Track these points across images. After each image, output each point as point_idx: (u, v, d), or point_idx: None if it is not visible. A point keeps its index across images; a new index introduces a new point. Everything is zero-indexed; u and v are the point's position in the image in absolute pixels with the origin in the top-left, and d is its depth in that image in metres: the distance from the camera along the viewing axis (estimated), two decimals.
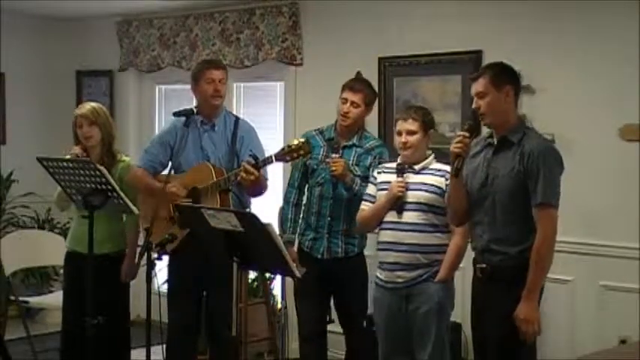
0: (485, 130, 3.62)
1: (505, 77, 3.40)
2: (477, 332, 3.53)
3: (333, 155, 4.18)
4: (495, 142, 3.43)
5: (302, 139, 3.92)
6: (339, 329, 4.51)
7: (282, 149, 3.92)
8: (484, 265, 3.41)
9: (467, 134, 3.38)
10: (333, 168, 4.11)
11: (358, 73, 5.23)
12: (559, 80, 4.48)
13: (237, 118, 4.37)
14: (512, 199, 3.32)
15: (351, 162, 4.22)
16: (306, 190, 4.41)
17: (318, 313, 4.39)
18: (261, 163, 3.94)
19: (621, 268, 4.26)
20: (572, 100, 4.46)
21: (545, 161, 3.29)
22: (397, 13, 5.17)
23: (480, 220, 3.45)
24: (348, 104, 4.22)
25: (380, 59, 5.23)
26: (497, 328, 3.32)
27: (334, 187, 4.22)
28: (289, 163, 3.96)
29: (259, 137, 4.38)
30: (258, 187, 4.14)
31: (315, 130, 4.41)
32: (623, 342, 4.14)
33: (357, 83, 4.36)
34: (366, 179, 4.17)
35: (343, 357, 4.62)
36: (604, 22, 4.35)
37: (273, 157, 3.94)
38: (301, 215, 4.40)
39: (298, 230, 4.38)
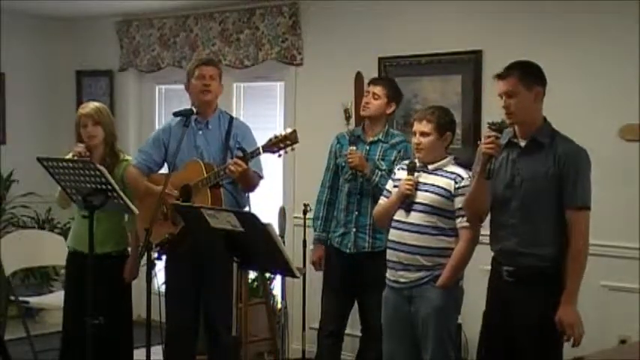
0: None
1: (534, 77, 3.35)
2: (494, 329, 3.46)
3: (350, 148, 4.27)
4: (522, 143, 3.38)
5: (289, 129, 3.92)
6: (349, 331, 4.52)
7: (270, 140, 3.92)
8: (513, 268, 3.36)
9: (498, 134, 3.34)
10: (350, 160, 4.24)
11: (358, 73, 5.24)
12: (559, 80, 4.47)
13: (231, 117, 4.37)
14: (543, 201, 3.29)
15: (376, 157, 4.32)
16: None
17: (341, 311, 4.46)
18: (248, 155, 3.94)
19: (621, 268, 4.26)
20: (572, 100, 4.46)
21: (581, 164, 3.30)
22: (397, 13, 5.17)
23: (505, 222, 3.39)
24: (370, 96, 4.35)
25: (380, 59, 5.23)
26: (532, 330, 3.28)
27: (360, 182, 4.28)
28: (277, 155, 3.95)
29: (257, 137, 4.37)
30: (250, 182, 4.13)
31: (346, 131, 4.56)
32: (623, 342, 4.14)
33: (378, 78, 4.60)
34: (390, 173, 4.23)
35: (350, 358, 4.63)
36: (604, 22, 4.35)
37: (261, 149, 3.94)
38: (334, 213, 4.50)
39: (330, 228, 4.49)
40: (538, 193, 3.30)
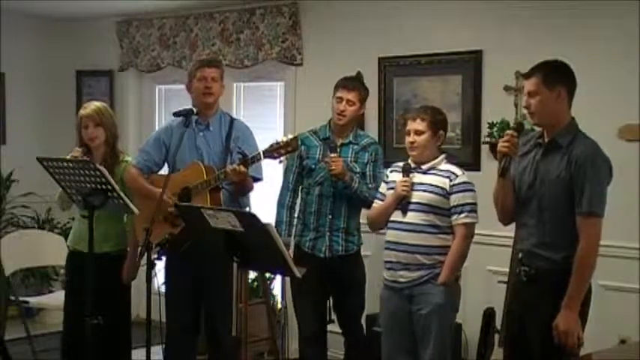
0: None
1: (558, 77, 3.30)
2: (511, 326, 3.47)
3: (332, 155, 4.20)
4: (545, 143, 3.35)
5: (290, 136, 3.91)
6: (339, 329, 4.51)
7: (271, 145, 3.91)
8: (528, 269, 3.34)
9: (515, 133, 3.32)
10: (333, 167, 4.16)
11: (358, 73, 5.23)
12: None
13: (232, 119, 4.37)
14: (558, 204, 3.25)
15: (349, 159, 4.28)
16: (300, 191, 4.43)
17: (319, 313, 4.40)
18: (249, 161, 3.94)
19: (621, 268, 4.26)
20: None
21: (593, 168, 3.21)
22: (397, 13, 5.17)
23: (525, 223, 3.38)
24: (344, 103, 4.28)
25: (380, 59, 5.23)
26: (539, 333, 3.26)
27: (334, 185, 4.24)
28: (277, 160, 3.95)
29: (257, 137, 4.37)
30: (245, 187, 4.12)
31: (308, 131, 4.45)
32: (623, 342, 4.14)
33: (350, 82, 4.42)
34: (364, 176, 4.25)
35: (342, 357, 4.63)
36: (604, 22, 4.35)
37: (262, 154, 3.94)
38: (296, 216, 4.42)
39: (294, 232, 4.40)
40: (551, 196, 3.27)
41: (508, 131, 3.35)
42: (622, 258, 4.25)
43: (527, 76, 3.34)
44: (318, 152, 4.34)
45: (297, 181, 4.42)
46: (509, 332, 3.51)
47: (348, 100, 4.27)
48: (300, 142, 4.34)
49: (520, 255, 3.42)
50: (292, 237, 4.39)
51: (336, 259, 4.28)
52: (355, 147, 4.32)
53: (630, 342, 4.06)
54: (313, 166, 4.34)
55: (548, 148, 3.32)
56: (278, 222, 4.41)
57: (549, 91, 3.26)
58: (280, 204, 4.45)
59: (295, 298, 4.46)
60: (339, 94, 4.30)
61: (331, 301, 4.44)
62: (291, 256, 4.34)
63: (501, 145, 3.32)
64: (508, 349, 3.54)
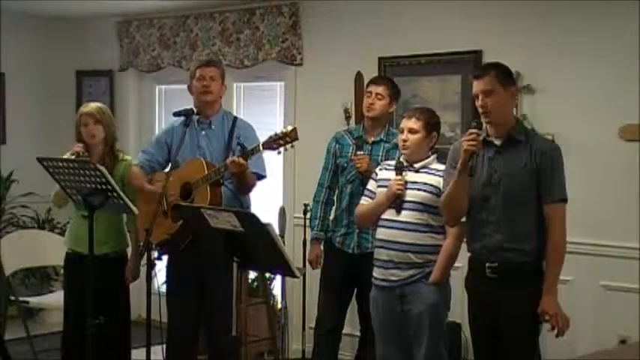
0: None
1: (509, 77, 3.43)
2: (482, 331, 3.48)
3: (358, 153, 4.28)
4: (497, 142, 3.42)
5: (290, 127, 3.92)
6: (347, 330, 4.53)
7: (270, 137, 3.90)
8: (496, 264, 3.38)
9: (479, 132, 3.38)
10: (358, 165, 4.26)
11: (358, 73, 5.24)
12: (559, 80, 4.48)
13: (235, 118, 4.38)
14: (523, 196, 3.34)
15: (380, 157, 4.32)
16: (336, 188, 4.53)
17: (341, 309, 4.49)
18: (248, 152, 3.94)
19: (621, 268, 4.26)
20: (572, 100, 4.46)
21: (557, 159, 3.36)
22: (397, 13, 5.17)
23: (485, 220, 3.42)
24: (373, 96, 4.35)
25: (380, 59, 5.23)
26: (521, 326, 3.32)
27: (363, 184, 4.27)
28: (276, 152, 3.95)
29: (258, 137, 4.37)
30: (246, 182, 4.12)
31: (344, 130, 4.58)
32: (623, 342, 4.14)
33: (379, 77, 4.58)
34: None
35: (348, 358, 4.64)
36: (604, 22, 4.35)
37: (261, 146, 3.94)
38: (332, 213, 4.50)
39: (329, 227, 4.52)
40: (517, 189, 3.35)
41: (472, 130, 3.39)
42: (622, 258, 4.26)
43: (479, 76, 3.40)
44: (350, 151, 4.41)
45: (333, 179, 4.52)
46: (480, 334, 3.52)
47: (377, 94, 4.34)
48: (335, 141, 4.52)
49: (481, 253, 3.44)
50: (324, 232, 4.52)
51: (365, 256, 4.31)
52: (386, 145, 4.35)
53: (630, 342, 4.06)
54: (345, 165, 4.42)
55: (505, 144, 3.41)
56: (312, 217, 4.59)
57: (504, 89, 3.37)
58: (315, 200, 4.59)
59: (321, 293, 4.56)
60: (368, 89, 4.41)
61: (356, 293, 4.49)
62: (322, 250, 4.48)
63: (468, 145, 3.34)
64: (479, 351, 3.54)
